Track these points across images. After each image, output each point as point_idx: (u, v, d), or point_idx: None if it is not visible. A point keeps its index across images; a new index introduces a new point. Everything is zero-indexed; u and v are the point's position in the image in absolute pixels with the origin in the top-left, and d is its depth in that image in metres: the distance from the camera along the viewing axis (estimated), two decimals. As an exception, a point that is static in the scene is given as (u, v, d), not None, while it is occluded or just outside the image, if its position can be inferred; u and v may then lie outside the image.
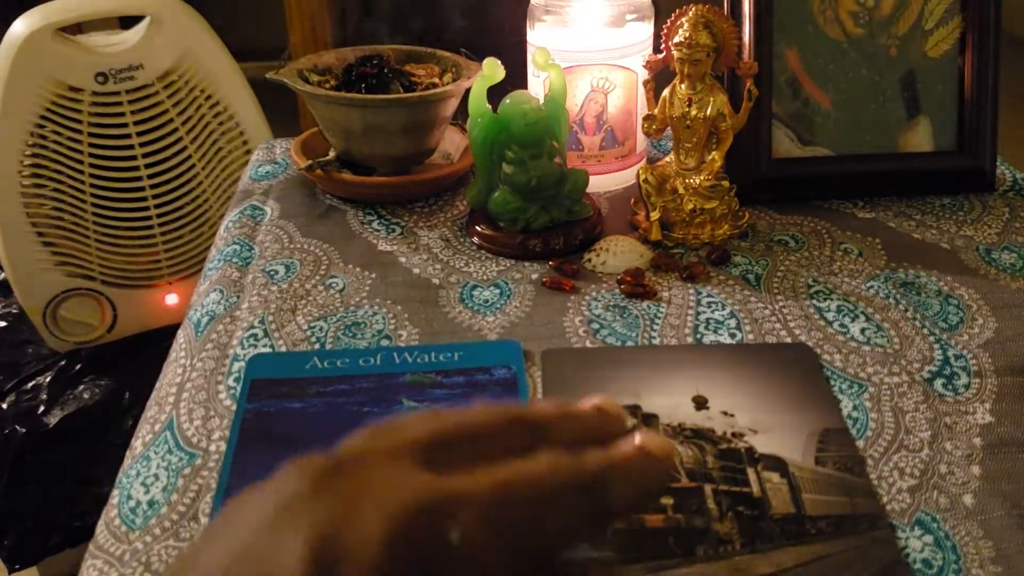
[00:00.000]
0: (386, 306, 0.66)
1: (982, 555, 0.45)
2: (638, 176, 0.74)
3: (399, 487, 0.24)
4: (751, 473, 0.50)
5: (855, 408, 0.55)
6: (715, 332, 0.62)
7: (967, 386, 0.57)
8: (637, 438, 0.29)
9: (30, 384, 1.29)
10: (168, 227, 1.30)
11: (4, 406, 1.26)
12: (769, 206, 0.79)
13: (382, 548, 0.23)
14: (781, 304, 0.65)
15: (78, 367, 1.31)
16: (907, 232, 0.75)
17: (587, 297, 0.67)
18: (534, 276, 0.69)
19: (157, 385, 0.60)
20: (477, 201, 0.74)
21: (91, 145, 1.22)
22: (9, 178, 1.21)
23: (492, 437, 0.28)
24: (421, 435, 0.27)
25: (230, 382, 0.59)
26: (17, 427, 1.22)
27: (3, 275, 1.33)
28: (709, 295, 0.67)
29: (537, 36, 0.78)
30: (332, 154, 0.82)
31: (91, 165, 1.23)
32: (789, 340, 0.62)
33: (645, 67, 0.74)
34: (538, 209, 0.72)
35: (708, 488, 0.48)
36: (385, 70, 0.81)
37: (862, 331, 0.62)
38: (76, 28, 1.30)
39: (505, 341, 0.62)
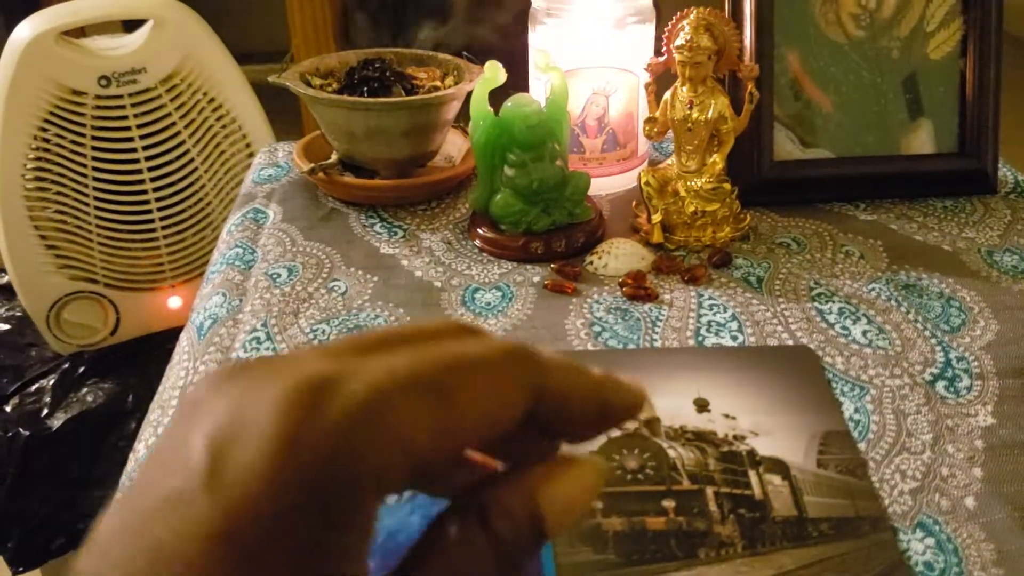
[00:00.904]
0: (388, 309, 0.66)
1: (984, 558, 0.45)
2: (640, 179, 0.74)
3: (303, 365, 0.22)
4: (753, 475, 0.50)
5: (857, 410, 0.55)
6: (717, 334, 0.62)
7: (969, 388, 0.57)
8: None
9: (33, 387, 1.29)
10: (171, 230, 1.31)
11: (8, 409, 1.26)
12: (770, 208, 0.79)
13: (276, 416, 0.20)
14: (783, 306, 0.65)
15: (81, 370, 1.31)
16: (909, 234, 0.75)
17: (589, 300, 0.67)
18: (536, 279, 0.69)
19: (160, 388, 0.61)
20: (479, 204, 0.74)
21: (94, 148, 1.23)
22: (12, 181, 1.21)
23: (430, 335, 0.24)
24: (347, 339, 0.24)
25: (233, 385, 0.59)
26: (21, 430, 1.23)
27: (7, 278, 1.33)
28: (711, 297, 0.67)
29: (538, 39, 0.78)
30: (334, 157, 0.82)
31: (94, 168, 1.23)
32: (791, 342, 0.62)
33: (646, 70, 0.74)
34: (540, 212, 0.72)
35: (710, 490, 0.49)
36: (387, 73, 0.82)
37: (864, 333, 0.62)
38: (79, 32, 1.30)
39: (507, 344, 0.62)
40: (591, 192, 0.74)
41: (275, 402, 0.21)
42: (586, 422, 0.25)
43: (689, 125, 0.72)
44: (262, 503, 0.19)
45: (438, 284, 0.69)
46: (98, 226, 1.26)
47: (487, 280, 0.70)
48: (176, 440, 0.21)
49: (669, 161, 0.77)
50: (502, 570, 0.23)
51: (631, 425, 0.53)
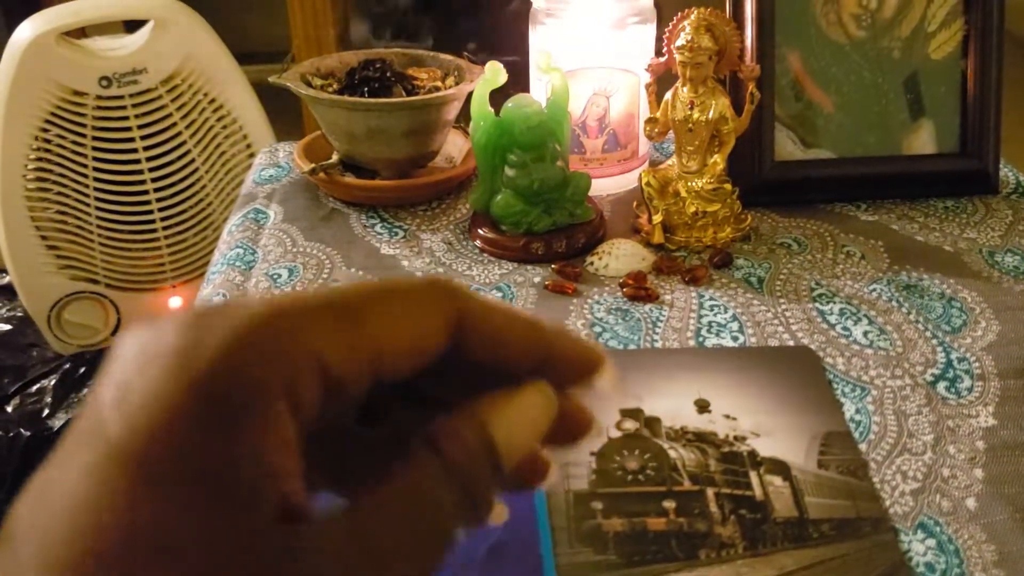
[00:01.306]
0: (389, 309, 0.66)
1: (985, 559, 0.45)
2: (640, 179, 0.74)
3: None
4: (753, 476, 0.50)
5: (858, 411, 0.55)
6: (717, 335, 0.62)
7: (970, 389, 0.57)
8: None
9: (35, 387, 1.29)
10: (172, 230, 1.31)
11: (9, 409, 1.27)
12: (771, 209, 0.79)
13: (171, 337, 0.20)
14: (784, 307, 0.65)
15: (82, 370, 1.31)
16: (910, 235, 0.75)
17: (589, 300, 0.67)
18: (536, 279, 0.69)
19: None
20: (480, 204, 0.74)
21: (95, 149, 1.23)
22: (14, 181, 1.21)
23: None
24: None
25: (233, 386, 0.59)
26: (22, 430, 1.23)
27: (8, 278, 1.34)
28: (711, 298, 0.67)
29: (539, 39, 0.78)
30: (335, 158, 0.82)
31: (95, 169, 1.24)
32: (792, 343, 0.62)
33: (647, 70, 0.74)
34: (541, 212, 0.72)
35: (710, 491, 0.48)
36: (388, 74, 0.82)
37: (865, 334, 0.62)
38: (80, 32, 1.31)
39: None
40: (592, 193, 0.74)
41: (172, 327, 0.21)
42: (525, 366, 0.24)
43: (690, 126, 0.72)
44: (160, 417, 0.20)
45: (439, 285, 0.69)
46: (99, 226, 1.27)
47: (488, 281, 0.70)
48: (94, 391, 0.22)
49: (670, 162, 0.77)
50: (463, 503, 0.22)
51: (631, 425, 0.53)
